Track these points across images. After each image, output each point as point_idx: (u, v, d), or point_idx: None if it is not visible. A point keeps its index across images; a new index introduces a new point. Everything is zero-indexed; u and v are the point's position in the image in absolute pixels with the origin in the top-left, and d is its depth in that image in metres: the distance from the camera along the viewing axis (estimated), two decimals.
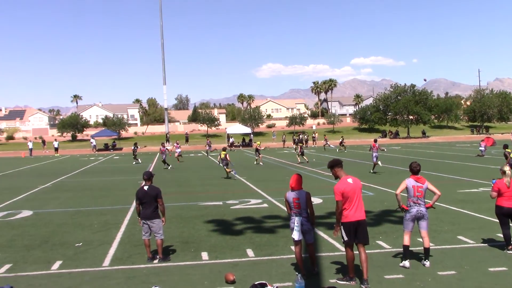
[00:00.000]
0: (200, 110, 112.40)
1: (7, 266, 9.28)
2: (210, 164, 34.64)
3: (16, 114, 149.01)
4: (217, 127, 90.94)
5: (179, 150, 37.48)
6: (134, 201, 9.45)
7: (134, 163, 36.87)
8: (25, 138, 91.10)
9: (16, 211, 15.74)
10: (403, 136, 76.34)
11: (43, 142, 63.32)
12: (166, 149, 33.52)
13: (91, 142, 61.76)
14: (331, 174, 8.16)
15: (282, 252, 9.83)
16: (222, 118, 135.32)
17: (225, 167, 24.93)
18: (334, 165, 7.95)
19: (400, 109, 78.60)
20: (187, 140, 70.76)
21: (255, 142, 36.15)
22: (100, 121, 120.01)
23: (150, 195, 9.38)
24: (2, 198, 18.95)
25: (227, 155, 25.34)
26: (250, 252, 9.87)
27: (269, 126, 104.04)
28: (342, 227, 7.76)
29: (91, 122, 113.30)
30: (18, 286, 8.05)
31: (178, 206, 15.79)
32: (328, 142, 51.63)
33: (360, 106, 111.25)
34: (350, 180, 7.79)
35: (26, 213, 15.41)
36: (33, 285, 8.13)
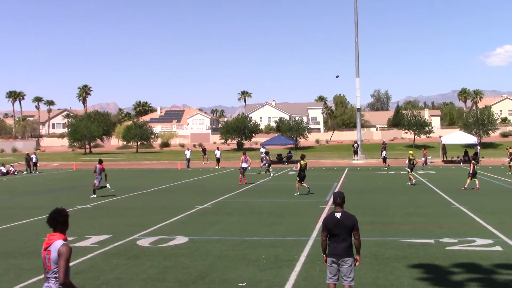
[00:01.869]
0: (404, 112, 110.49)
1: None
2: (417, 187, 33.76)
3: (173, 115, 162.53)
4: (427, 135, 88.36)
5: (245, 165, 36.64)
6: (321, 232, 9.45)
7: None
8: (183, 146, 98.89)
9: (169, 237, 17.02)
10: None
11: (204, 151, 67.92)
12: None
13: (261, 152, 64.60)
14: None
15: None
16: (436, 122, 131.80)
17: (297, 178, 29.29)
18: None
19: None
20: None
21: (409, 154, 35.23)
22: (273, 124, 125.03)
23: (344, 225, 9.25)
24: (155, 220, 20.65)
25: (307, 166, 29.85)
26: None
27: (504, 135, 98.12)
28: None
29: (262, 126, 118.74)
30: None
31: (373, 241, 15.59)
32: None
33: None
34: None
35: (181, 239, 16.56)
36: None
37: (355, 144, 68.40)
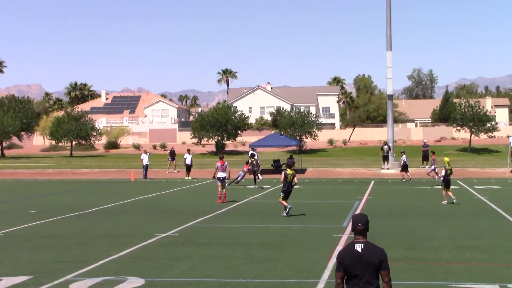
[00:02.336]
0: (456, 100, 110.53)
1: None
2: (475, 210, 33.81)
3: (124, 103, 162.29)
4: (490, 133, 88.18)
5: (222, 174, 37.04)
6: (335, 271, 9.35)
7: None
8: (138, 147, 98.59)
9: (117, 278, 16.90)
10: None
11: (172, 154, 67.39)
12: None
13: (250, 158, 64.36)
14: None
15: None
16: (502, 114, 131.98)
17: (281, 193, 29.83)
18: None
19: None
20: (425, 158, 69.41)
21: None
22: (268, 117, 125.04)
23: (367, 262, 9.18)
24: (96, 254, 20.55)
25: (296, 177, 30.34)
26: None
27: None
28: None
29: (252, 120, 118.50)
30: None
31: (411, 286, 15.59)
32: None
33: None
34: None
35: (134, 282, 16.47)
36: None
37: (385, 147, 67.71)
